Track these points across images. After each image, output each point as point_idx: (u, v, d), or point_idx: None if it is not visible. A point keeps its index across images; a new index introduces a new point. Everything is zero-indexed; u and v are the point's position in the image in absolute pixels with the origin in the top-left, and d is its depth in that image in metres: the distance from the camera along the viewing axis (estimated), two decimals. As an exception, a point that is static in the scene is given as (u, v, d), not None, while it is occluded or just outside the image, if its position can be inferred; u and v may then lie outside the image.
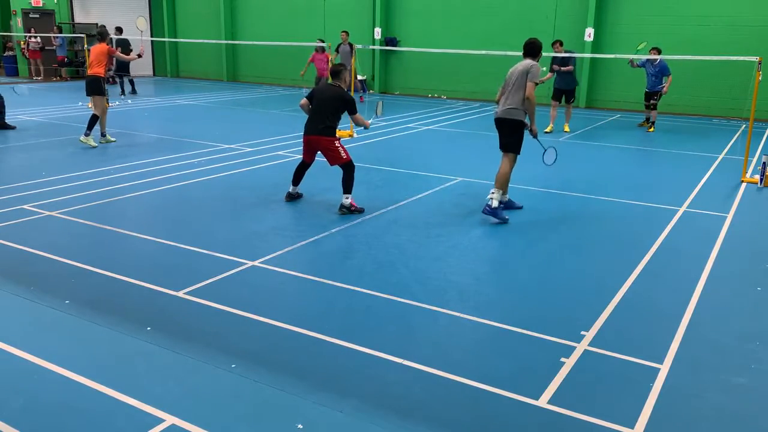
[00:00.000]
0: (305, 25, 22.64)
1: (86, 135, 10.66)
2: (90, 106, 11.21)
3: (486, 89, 19.51)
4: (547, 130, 13.37)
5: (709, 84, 16.80)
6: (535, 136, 7.11)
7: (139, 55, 12.00)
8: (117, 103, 16.65)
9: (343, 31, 17.45)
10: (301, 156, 7.51)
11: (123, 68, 19.01)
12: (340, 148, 7.13)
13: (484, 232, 6.54)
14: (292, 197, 7.56)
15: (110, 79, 19.33)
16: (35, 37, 24.27)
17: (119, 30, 19.45)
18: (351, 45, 16.06)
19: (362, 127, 7.64)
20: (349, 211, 7.00)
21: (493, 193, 6.85)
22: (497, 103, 7.15)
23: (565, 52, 13.36)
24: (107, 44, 11.14)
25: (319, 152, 7.36)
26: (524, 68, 6.82)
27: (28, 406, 3.36)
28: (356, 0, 21.73)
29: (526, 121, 6.99)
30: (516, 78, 6.83)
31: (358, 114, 7.24)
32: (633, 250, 6.01)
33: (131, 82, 19.38)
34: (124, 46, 19.19)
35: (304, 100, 7.30)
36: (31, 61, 24.86)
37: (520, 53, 7.19)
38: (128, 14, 26.05)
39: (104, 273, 5.17)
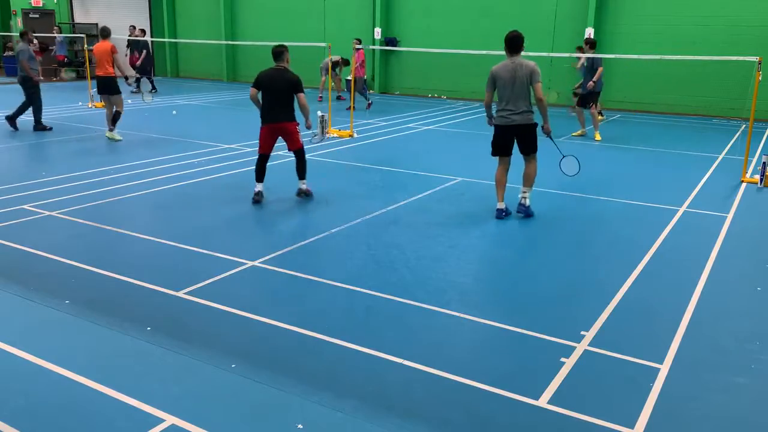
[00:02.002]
0: (305, 25, 22.64)
1: (111, 131, 11.22)
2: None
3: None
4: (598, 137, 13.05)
5: (709, 84, 16.79)
6: (549, 134, 6.95)
7: (126, 78, 11.87)
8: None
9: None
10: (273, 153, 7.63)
11: (146, 69, 19.30)
12: (299, 133, 7.52)
13: (484, 232, 6.54)
14: (261, 196, 7.42)
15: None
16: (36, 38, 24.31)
17: (143, 31, 19.59)
18: (337, 61, 16.22)
19: (306, 123, 7.57)
20: (306, 195, 7.50)
21: (525, 192, 7.03)
22: (488, 106, 7.07)
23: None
24: (111, 43, 11.36)
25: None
26: (528, 70, 6.63)
27: (28, 406, 3.36)
28: (356, 0, 21.73)
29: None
30: (520, 81, 6.65)
31: (303, 95, 7.37)
32: (633, 249, 6.01)
33: (138, 81, 19.50)
34: (141, 47, 19.28)
35: (252, 90, 7.45)
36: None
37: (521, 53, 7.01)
38: (128, 14, 26.09)
39: (104, 273, 5.17)
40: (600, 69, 12.50)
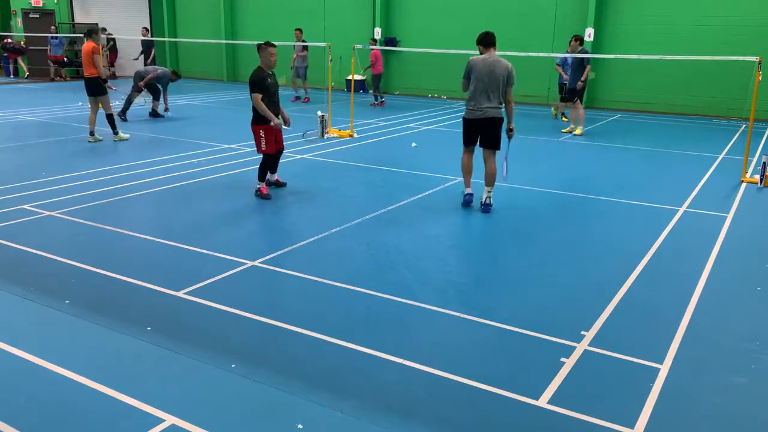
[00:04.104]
0: (305, 25, 22.60)
1: (116, 134, 11.19)
2: (90, 106, 11.16)
3: (486, 89, 19.51)
4: (579, 132, 13.37)
5: (709, 84, 16.79)
6: (511, 134, 7.25)
7: (105, 80, 11.56)
8: (116, 102, 16.62)
9: (297, 29, 17.92)
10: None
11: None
12: (261, 139, 7.48)
13: (485, 233, 6.54)
14: (278, 184, 8.06)
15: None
16: (11, 37, 24.39)
17: (147, 30, 19.62)
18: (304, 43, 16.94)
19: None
20: (261, 196, 7.51)
21: (489, 191, 7.29)
22: (470, 98, 7.15)
23: (582, 51, 13.18)
24: (95, 43, 11.01)
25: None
26: (505, 70, 6.97)
27: (28, 405, 3.37)
28: (356, 0, 21.73)
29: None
30: (497, 78, 6.96)
31: (255, 95, 7.37)
32: (633, 249, 6.01)
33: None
34: (148, 46, 19.31)
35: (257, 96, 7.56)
36: (11, 60, 24.99)
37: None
38: (128, 14, 26.08)
39: (104, 273, 5.17)
40: (588, 68, 13.04)
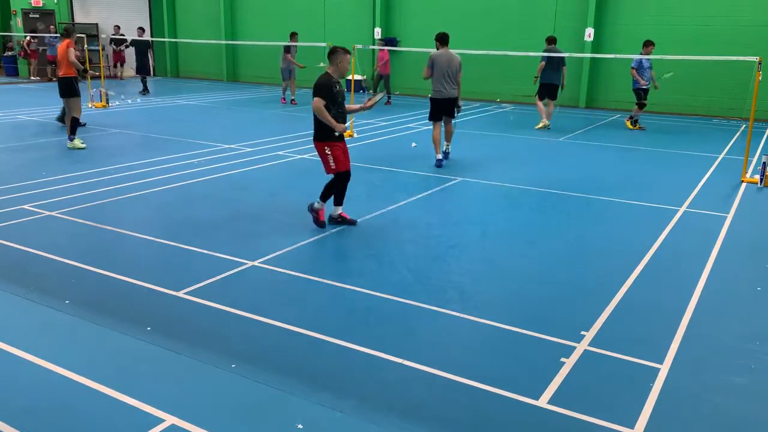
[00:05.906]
0: (305, 25, 22.64)
1: (71, 140, 10.52)
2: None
3: (486, 90, 19.50)
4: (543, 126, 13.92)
5: (709, 84, 16.79)
6: (459, 109, 9.83)
7: (85, 71, 11.23)
8: (117, 102, 16.64)
9: (293, 32, 17.85)
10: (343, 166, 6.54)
11: (143, 68, 19.31)
12: (328, 156, 6.34)
13: (484, 232, 6.54)
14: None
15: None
16: (35, 38, 24.25)
17: (141, 30, 19.59)
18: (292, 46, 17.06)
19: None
20: (338, 221, 6.55)
21: (448, 145, 10.04)
22: (435, 83, 9.50)
23: (550, 50, 13.66)
24: (70, 40, 10.76)
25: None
26: (458, 62, 9.50)
27: (28, 406, 3.36)
28: (356, 0, 21.73)
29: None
30: (454, 67, 9.44)
31: (317, 99, 6.10)
32: (633, 249, 6.01)
33: (144, 81, 19.49)
34: (140, 45, 19.26)
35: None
36: (31, 61, 24.88)
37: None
38: (129, 14, 26.07)
39: (104, 273, 5.17)
40: (541, 64, 13.70)
